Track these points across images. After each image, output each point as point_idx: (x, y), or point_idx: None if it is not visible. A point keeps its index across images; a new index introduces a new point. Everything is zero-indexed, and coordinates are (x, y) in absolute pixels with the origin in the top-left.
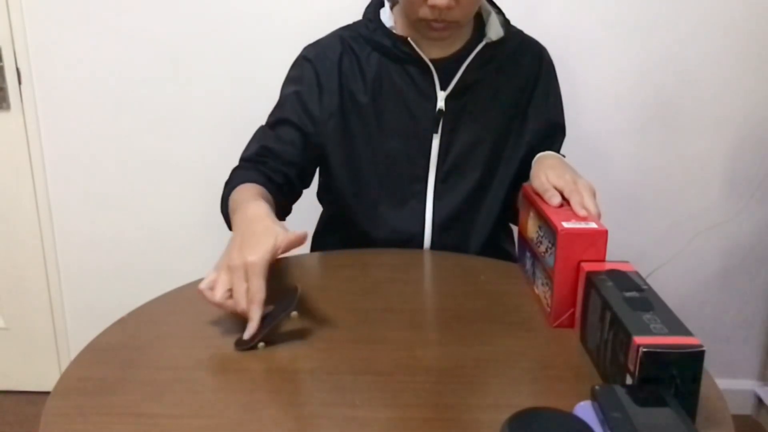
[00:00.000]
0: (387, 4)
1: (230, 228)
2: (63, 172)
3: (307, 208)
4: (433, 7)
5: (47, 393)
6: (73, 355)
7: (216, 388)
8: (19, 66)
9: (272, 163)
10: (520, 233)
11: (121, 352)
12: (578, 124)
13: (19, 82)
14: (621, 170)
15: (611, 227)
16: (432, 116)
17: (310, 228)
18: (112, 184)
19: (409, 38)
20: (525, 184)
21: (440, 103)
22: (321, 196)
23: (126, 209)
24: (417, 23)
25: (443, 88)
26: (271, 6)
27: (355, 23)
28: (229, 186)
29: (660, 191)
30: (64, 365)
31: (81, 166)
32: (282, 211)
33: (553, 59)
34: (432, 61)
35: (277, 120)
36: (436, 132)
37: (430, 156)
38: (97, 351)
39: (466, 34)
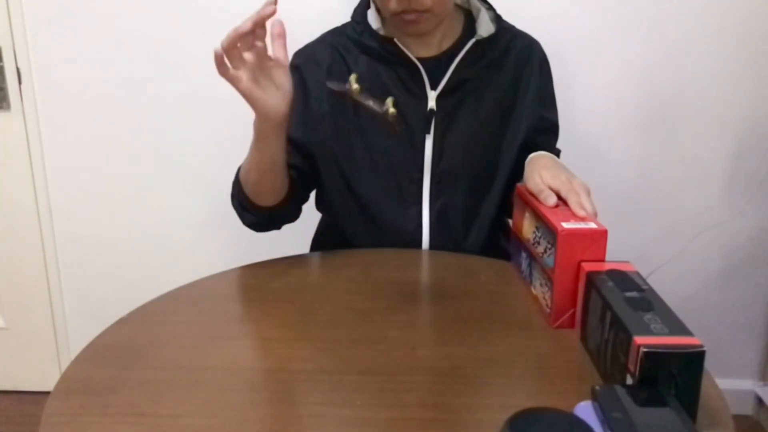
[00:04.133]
0: (373, 6)
1: (247, 223)
2: (63, 172)
3: (307, 211)
4: None
5: (47, 393)
6: (73, 355)
7: (216, 388)
8: (19, 66)
9: None
10: (514, 234)
11: (121, 352)
12: (578, 123)
13: (19, 82)
14: (621, 170)
15: (611, 227)
16: (423, 117)
17: (310, 230)
18: (112, 184)
19: (395, 39)
20: (519, 185)
21: (431, 103)
22: (318, 205)
23: (126, 209)
24: (392, 20)
25: (434, 88)
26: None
27: (343, 26)
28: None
29: (660, 191)
30: (64, 365)
31: (81, 166)
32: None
33: (552, 58)
34: (421, 60)
35: None
36: (429, 133)
37: (423, 157)
38: (97, 351)
39: (455, 32)
